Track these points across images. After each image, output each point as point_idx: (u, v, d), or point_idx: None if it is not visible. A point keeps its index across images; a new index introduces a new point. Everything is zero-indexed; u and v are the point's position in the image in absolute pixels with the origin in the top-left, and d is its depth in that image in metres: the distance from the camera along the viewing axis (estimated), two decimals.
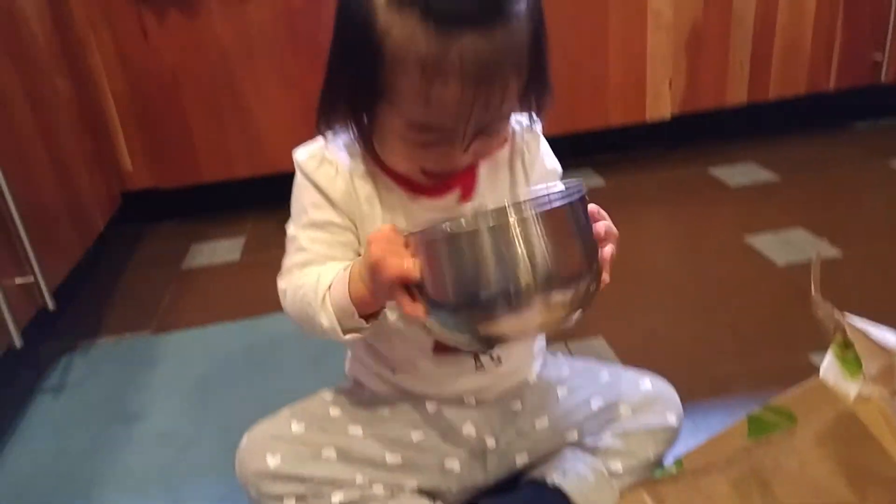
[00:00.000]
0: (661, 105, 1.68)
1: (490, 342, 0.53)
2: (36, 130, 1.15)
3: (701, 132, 1.81)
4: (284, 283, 0.66)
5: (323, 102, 0.62)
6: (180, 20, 1.44)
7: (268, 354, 1.11)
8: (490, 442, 0.73)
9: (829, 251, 1.26)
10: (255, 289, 1.33)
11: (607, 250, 0.55)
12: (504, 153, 0.68)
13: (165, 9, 1.42)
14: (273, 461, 0.67)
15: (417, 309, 0.52)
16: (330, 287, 0.61)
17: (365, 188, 0.65)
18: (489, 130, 0.57)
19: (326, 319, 0.60)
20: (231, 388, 1.04)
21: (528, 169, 0.69)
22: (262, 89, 1.51)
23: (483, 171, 0.67)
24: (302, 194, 0.66)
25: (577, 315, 0.53)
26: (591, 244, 0.53)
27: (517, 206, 0.51)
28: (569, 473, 0.70)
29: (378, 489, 0.69)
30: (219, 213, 1.67)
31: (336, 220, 0.65)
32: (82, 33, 1.43)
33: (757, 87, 1.70)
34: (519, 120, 0.68)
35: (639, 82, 1.64)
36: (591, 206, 0.56)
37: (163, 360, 1.13)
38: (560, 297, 0.50)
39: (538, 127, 0.68)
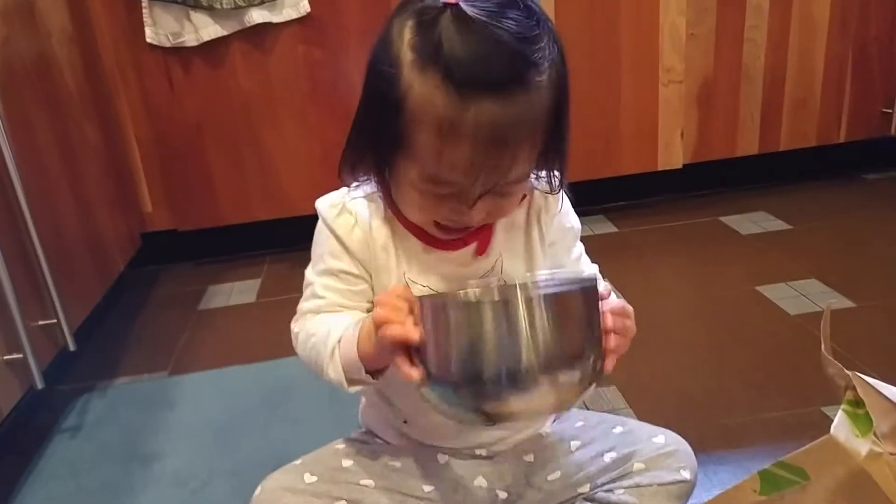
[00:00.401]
0: (672, 155, 1.71)
1: (494, 419, 0.52)
2: (64, 175, 1.20)
3: (712, 181, 1.84)
4: (297, 328, 0.68)
5: (347, 151, 0.65)
6: (204, 70, 1.50)
7: (282, 397, 1.12)
8: (501, 495, 0.73)
9: (842, 302, 1.26)
10: (270, 331, 1.35)
11: (612, 340, 0.56)
12: (521, 211, 0.69)
13: (191, 59, 1.48)
14: None
15: (414, 373, 0.53)
16: (340, 340, 0.62)
17: (382, 238, 0.66)
18: (500, 191, 0.59)
19: (334, 372, 0.63)
20: (245, 430, 1.05)
21: (545, 228, 0.70)
22: (282, 136, 1.56)
23: (500, 227, 0.68)
24: (321, 242, 0.68)
25: (585, 394, 0.54)
26: (597, 333, 0.53)
27: (524, 285, 0.51)
28: None
29: None
30: (236, 254, 1.70)
31: (351, 270, 0.67)
32: (112, 83, 1.49)
33: (768, 138, 1.73)
34: (540, 176, 0.69)
35: (651, 133, 1.68)
36: (614, 302, 0.57)
37: (179, 402, 1.14)
38: (565, 377, 0.50)
39: (559, 186, 0.69)
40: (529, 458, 0.75)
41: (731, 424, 0.97)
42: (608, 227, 1.70)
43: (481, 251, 0.68)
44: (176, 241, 1.65)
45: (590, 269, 0.75)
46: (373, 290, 0.68)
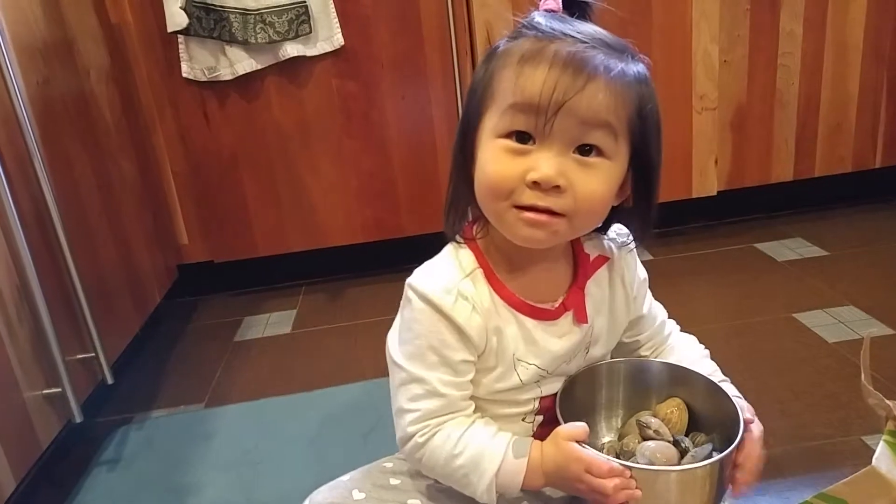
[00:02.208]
0: (707, 182, 1.69)
1: None
2: (102, 210, 1.23)
3: (747, 208, 1.82)
4: (422, 436, 0.66)
5: (449, 198, 0.67)
6: (240, 103, 1.53)
7: (319, 429, 1.13)
8: None
9: (880, 329, 1.24)
10: (305, 362, 1.37)
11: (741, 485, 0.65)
12: (604, 275, 0.72)
13: (226, 93, 1.52)
14: None
15: None
16: (498, 473, 0.64)
17: (494, 321, 0.66)
18: (579, 152, 0.60)
19: (487, 497, 0.65)
20: (282, 462, 1.06)
21: (629, 288, 0.73)
22: (317, 168, 1.58)
23: (589, 293, 0.70)
24: (430, 330, 0.64)
25: None
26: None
27: (724, 457, 0.63)
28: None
29: None
30: (271, 285, 1.72)
31: (471, 359, 0.66)
32: (148, 117, 1.53)
33: (802, 164, 1.71)
34: (619, 232, 0.73)
35: (685, 160, 1.67)
36: (755, 452, 0.66)
37: (215, 434, 1.15)
38: None
39: (641, 234, 0.72)
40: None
41: (771, 454, 0.94)
42: (643, 255, 1.65)
43: (580, 319, 0.69)
44: (212, 272, 1.68)
45: (662, 314, 0.81)
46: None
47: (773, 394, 1.09)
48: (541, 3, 0.64)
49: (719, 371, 0.77)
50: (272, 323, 1.55)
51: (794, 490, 0.70)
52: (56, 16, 1.16)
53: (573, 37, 0.60)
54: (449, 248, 0.69)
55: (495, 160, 0.61)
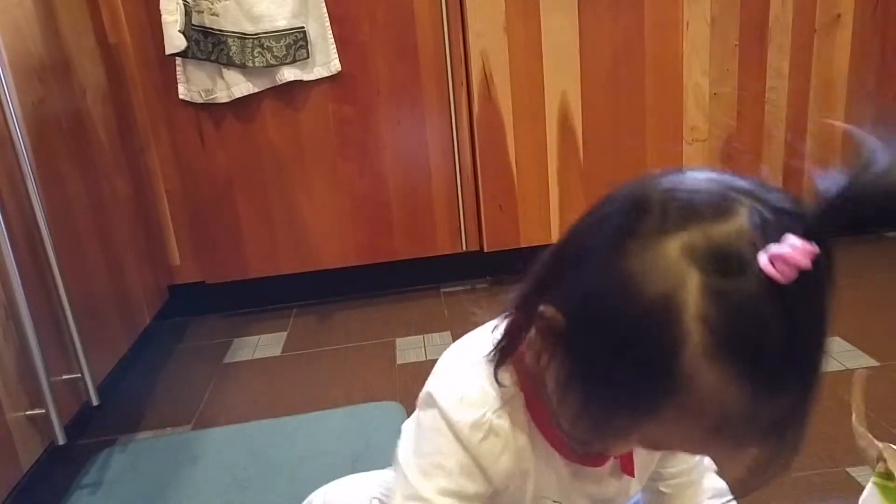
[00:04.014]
0: None
1: None
2: (93, 230, 1.22)
3: None
4: None
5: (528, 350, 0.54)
6: (235, 125, 1.54)
7: (307, 453, 1.12)
8: None
9: (866, 361, 1.25)
10: (295, 384, 1.36)
11: None
12: None
13: (222, 114, 1.53)
14: None
15: None
16: None
17: (526, 459, 0.57)
18: None
19: None
20: (269, 487, 1.04)
21: None
22: (311, 191, 1.59)
23: None
24: (450, 455, 0.56)
25: None
26: None
27: None
28: None
29: None
30: (262, 306, 1.72)
31: (484, 492, 0.57)
32: (143, 138, 1.53)
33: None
34: None
35: None
36: None
37: (202, 457, 1.14)
38: None
39: None
40: None
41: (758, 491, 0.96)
42: None
43: (626, 469, 0.60)
44: (203, 293, 1.68)
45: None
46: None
47: None
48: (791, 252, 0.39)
49: None
50: (262, 345, 1.54)
51: None
52: (54, 36, 1.16)
53: (798, 369, 0.43)
54: (483, 363, 0.56)
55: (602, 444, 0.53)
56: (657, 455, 0.63)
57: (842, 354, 1.28)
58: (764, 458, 0.45)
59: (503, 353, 0.54)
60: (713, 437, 0.44)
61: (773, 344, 0.40)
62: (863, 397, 0.73)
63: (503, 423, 0.55)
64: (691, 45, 1.59)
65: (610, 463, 0.59)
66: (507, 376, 0.55)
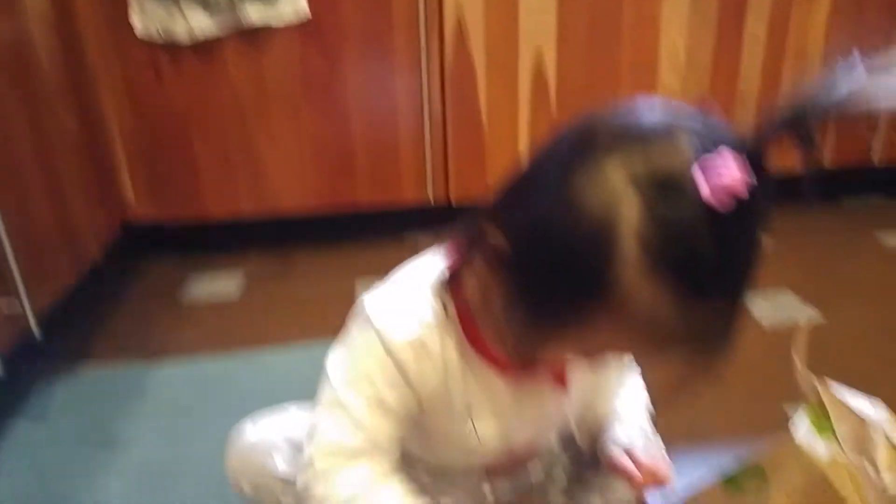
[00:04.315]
0: None
1: None
2: (34, 158, 1.17)
3: None
4: (322, 464, 0.56)
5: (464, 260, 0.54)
6: (196, 65, 1.49)
7: (260, 389, 1.11)
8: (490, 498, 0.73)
9: (813, 316, 1.31)
10: (250, 325, 1.35)
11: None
12: None
13: (181, 53, 1.47)
14: (285, 466, 0.66)
15: None
16: None
17: (458, 377, 0.57)
18: None
19: None
20: (221, 420, 1.03)
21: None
22: (273, 134, 1.56)
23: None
24: (379, 369, 0.56)
25: None
26: None
27: None
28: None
29: None
30: (220, 248, 1.69)
31: (407, 407, 0.58)
32: (93, 68, 1.45)
33: None
34: None
35: None
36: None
37: (152, 390, 1.13)
38: None
39: None
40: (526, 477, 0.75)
41: (696, 419, 1.01)
42: None
43: (560, 384, 0.61)
44: (159, 233, 1.64)
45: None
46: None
47: None
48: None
49: (645, 422, 0.70)
50: (219, 286, 1.52)
51: (717, 452, 0.72)
52: None
53: (731, 280, 0.45)
54: (423, 283, 0.57)
55: (538, 356, 0.54)
56: (590, 375, 0.64)
57: (790, 307, 1.34)
58: (691, 368, 0.47)
59: (447, 276, 0.55)
60: (644, 344, 0.46)
61: (705, 265, 0.42)
62: (805, 346, 0.75)
63: (436, 344, 0.56)
64: (670, 7, 1.58)
65: (546, 380, 0.60)
66: (446, 301, 0.56)
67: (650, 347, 0.46)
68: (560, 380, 0.61)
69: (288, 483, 0.65)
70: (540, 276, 0.46)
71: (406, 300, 0.57)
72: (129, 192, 1.57)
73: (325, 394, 0.58)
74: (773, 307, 1.34)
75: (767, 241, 0.46)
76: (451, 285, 0.56)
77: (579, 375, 0.62)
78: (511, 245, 0.47)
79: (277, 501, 0.66)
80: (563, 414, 0.65)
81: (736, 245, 0.43)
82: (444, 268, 0.55)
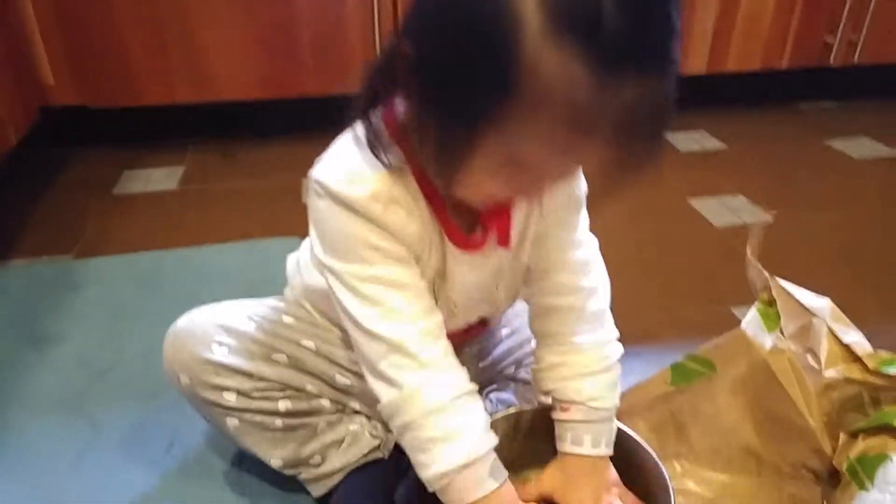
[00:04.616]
0: None
1: None
2: None
3: None
4: (396, 339, 0.54)
5: (376, 89, 0.51)
6: None
7: (200, 284, 1.07)
8: None
9: (763, 217, 1.31)
10: (190, 219, 1.28)
11: None
12: None
13: None
14: (220, 352, 0.64)
15: None
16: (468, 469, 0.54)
17: (427, 227, 0.56)
18: None
19: (433, 481, 0.55)
20: (158, 315, 0.97)
21: (549, 202, 0.61)
22: (212, 11, 1.42)
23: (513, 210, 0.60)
24: (361, 232, 0.53)
25: None
26: None
27: None
28: (498, 404, 0.72)
29: (325, 402, 0.68)
30: (157, 139, 1.59)
31: (416, 271, 0.56)
32: None
33: (717, 58, 1.71)
34: None
35: None
36: None
37: (84, 285, 1.07)
38: None
39: None
40: (464, 349, 0.74)
41: (649, 323, 1.01)
42: None
43: (503, 242, 0.60)
44: (87, 120, 1.52)
45: (590, 243, 0.67)
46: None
47: (657, 270, 1.15)
48: None
49: (606, 397, 0.64)
50: (156, 178, 1.44)
51: (667, 353, 0.73)
52: None
53: (643, 42, 0.43)
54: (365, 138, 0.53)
55: (476, 186, 0.50)
56: (532, 227, 0.61)
57: (743, 211, 1.35)
58: (618, 159, 0.46)
59: (368, 99, 0.51)
60: (565, 135, 0.43)
61: (609, 29, 0.39)
62: (759, 239, 0.74)
63: (399, 190, 0.53)
64: None
65: (491, 242, 0.59)
66: (393, 152, 0.53)
67: (572, 139, 0.44)
68: (503, 239, 0.60)
69: (223, 366, 0.63)
70: (447, 67, 0.44)
71: (356, 160, 0.53)
72: (46, 70, 1.42)
73: (336, 284, 0.55)
74: (725, 210, 1.35)
75: (681, 21, 0.43)
76: (396, 141, 0.53)
77: (523, 233, 0.61)
78: (418, 45, 0.45)
79: (213, 387, 0.64)
80: (511, 276, 0.64)
81: (640, 8, 0.41)
82: (366, 91, 0.52)
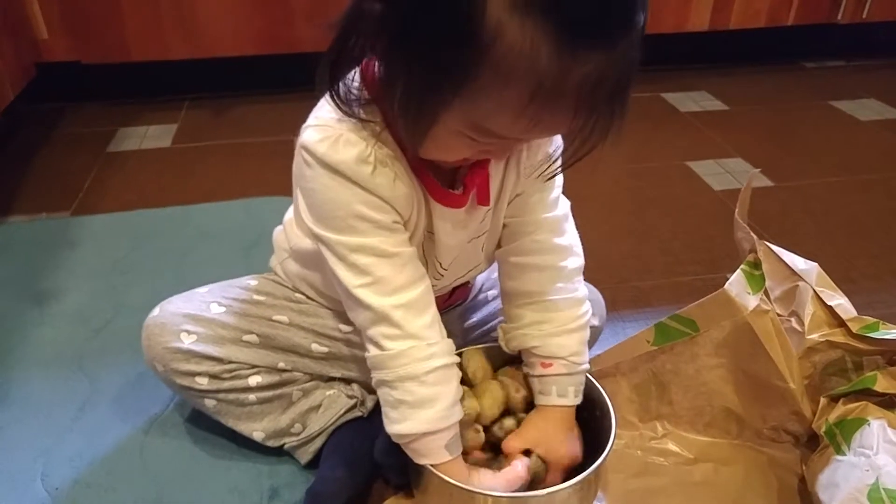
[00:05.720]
0: None
1: None
2: None
3: (659, 57, 1.78)
4: (386, 306, 0.56)
5: (344, 57, 0.50)
6: None
7: (196, 242, 1.08)
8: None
9: (762, 181, 1.29)
10: (185, 177, 1.28)
11: None
12: None
13: None
14: (188, 340, 0.65)
15: None
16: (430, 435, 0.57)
17: (414, 188, 0.56)
18: None
19: (399, 437, 0.58)
20: (154, 273, 1.01)
21: (526, 161, 0.62)
22: None
23: (491, 169, 0.60)
24: (351, 200, 0.54)
25: None
26: None
27: None
28: None
29: (299, 375, 0.69)
30: (152, 96, 1.58)
31: (400, 221, 0.57)
32: None
33: (720, 14, 1.68)
34: None
35: None
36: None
37: (81, 242, 1.08)
38: None
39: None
40: (456, 310, 0.75)
41: (645, 286, 1.01)
42: None
43: (482, 200, 0.61)
44: (82, 77, 1.51)
45: (564, 203, 0.67)
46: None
47: (655, 233, 1.14)
48: None
49: (584, 352, 0.66)
50: (151, 135, 1.43)
51: (659, 316, 0.74)
52: None
53: (605, 12, 0.43)
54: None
55: (445, 148, 0.51)
56: (510, 186, 0.62)
57: (742, 174, 1.32)
58: (583, 128, 0.46)
59: (337, 65, 0.51)
60: (529, 105, 0.44)
61: None
62: (748, 197, 0.74)
63: (384, 152, 0.54)
64: None
65: (472, 200, 0.60)
66: (371, 114, 0.53)
67: (537, 110, 0.44)
68: (482, 197, 0.60)
69: (192, 353, 0.65)
70: (412, 28, 0.44)
71: (339, 126, 0.53)
72: (41, 25, 1.40)
73: (329, 254, 0.57)
74: (724, 173, 1.33)
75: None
76: (376, 102, 0.53)
77: (502, 192, 0.61)
78: (384, 4, 0.45)
79: (184, 373, 0.66)
80: (492, 234, 0.65)
81: None
82: (334, 55, 0.51)
